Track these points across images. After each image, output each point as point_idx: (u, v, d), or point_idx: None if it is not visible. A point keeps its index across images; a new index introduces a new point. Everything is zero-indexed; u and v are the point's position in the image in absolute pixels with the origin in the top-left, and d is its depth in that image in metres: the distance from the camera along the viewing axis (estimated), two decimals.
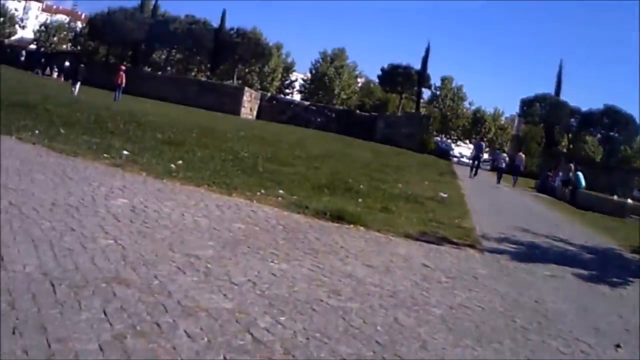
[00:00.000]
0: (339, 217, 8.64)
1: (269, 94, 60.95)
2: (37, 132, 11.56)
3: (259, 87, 69.82)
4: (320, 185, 12.15)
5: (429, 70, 61.22)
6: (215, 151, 14.56)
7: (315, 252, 6.43)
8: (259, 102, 55.91)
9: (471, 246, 8.78)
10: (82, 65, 34.63)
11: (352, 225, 8.42)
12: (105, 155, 10.41)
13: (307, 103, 60.40)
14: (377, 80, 69.98)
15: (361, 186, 13.25)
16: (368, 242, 7.60)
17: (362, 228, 8.42)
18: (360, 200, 11.16)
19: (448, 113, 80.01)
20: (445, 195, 15.28)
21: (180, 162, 11.43)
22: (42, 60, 61.53)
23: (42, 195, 6.59)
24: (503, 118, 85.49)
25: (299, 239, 7.00)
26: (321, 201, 9.91)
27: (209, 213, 7.43)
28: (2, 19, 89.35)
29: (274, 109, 55.11)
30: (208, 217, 7.19)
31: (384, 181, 15.97)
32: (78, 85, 31.40)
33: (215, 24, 64.43)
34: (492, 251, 8.81)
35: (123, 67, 35.77)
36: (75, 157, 9.74)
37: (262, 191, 9.87)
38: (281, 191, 10.24)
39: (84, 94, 30.18)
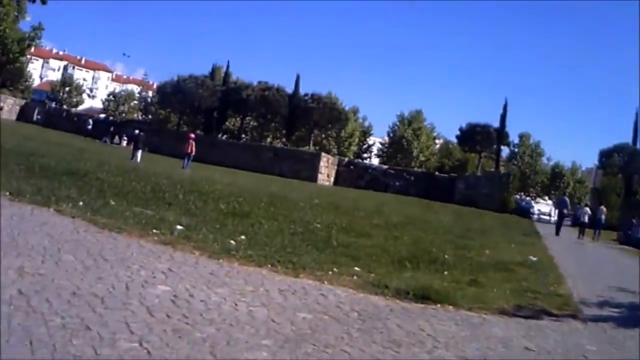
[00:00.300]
0: (424, 297, 8.02)
1: (346, 159, 62.27)
2: (81, 203, 11.16)
3: (336, 152, 71.68)
4: (401, 258, 11.68)
5: (507, 128, 62.17)
6: (284, 223, 14.04)
7: (397, 345, 5.66)
8: (336, 167, 57.35)
9: (573, 316, 8.44)
10: (141, 132, 35.33)
11: (439, 305, 7.81)
12: (154, 230, 9.77)
13: (385, 167, 61.72)
14: (455, 141, 71.28)
15: (446, 256, 12.82)
16: (459, 325, 6.91)
17: (451, 307, 7.81)
18: (446, 272, 10.80)
19: (526, 170, 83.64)
20: (535, 259, 15.10)
21: (242, 237, 10.79)
22: (111, 128, 63.68)
23: (63, 281, 5.92)
24: (580, 171, 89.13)
25: (377, 328, 6.18)
26: (403, 278, 9.35)
27: (268, 301, 6.61)
28: (68, 88, 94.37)
29: (352, 174, 56.48)
30: (267, 306, 6.37)
31: (470, 248, 15.61)
32: (139, 152, 31.79)
33: (289, 89, 65.87)
34: (596, 319, 8.47)
35: (192, 135, 36.65)
36: (119, 234, 9.13)
37: (335, 269, 9.17)
38: (357, 268, 9.62)
39: (148, 161, 30.48)
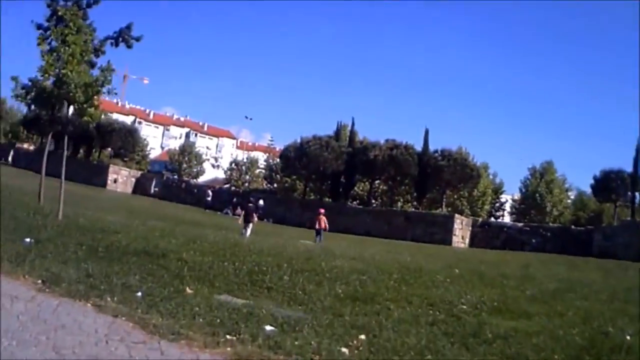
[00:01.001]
0: None
1: (480, 219, 62.16)
2: (139, 293, 8.70)
3: (469, 212, 72.06)
4: (577, 349, 8.99)
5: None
6: (420, 306, 11.39)
7: None
8: (470, 228, 57.66)
9: None
10: (250, 203, 34.20)
11: None
12: (228, 336, 6.98)
13: (520, 224, 60.87)
14: (588, 190, 71.85)
15: (627, 337, 10.07)
16: None
17: None
18: None
19: None
20: None
21: (361, 336, 7.97)
22: (234, 199, 62.88)
23: None
24: None
25: None
26: None
27: None
28: (187, 157, 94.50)
29: (487, 234, 56.79)
30: None
31: None
32: (249, 225, 29.79)
33: (417, 145, 64.62)
34: None
35: (322, 210, 35.41)
36: (173, 342, 6.45)
37: None
38: None
39: (263, 234, 28.54)
